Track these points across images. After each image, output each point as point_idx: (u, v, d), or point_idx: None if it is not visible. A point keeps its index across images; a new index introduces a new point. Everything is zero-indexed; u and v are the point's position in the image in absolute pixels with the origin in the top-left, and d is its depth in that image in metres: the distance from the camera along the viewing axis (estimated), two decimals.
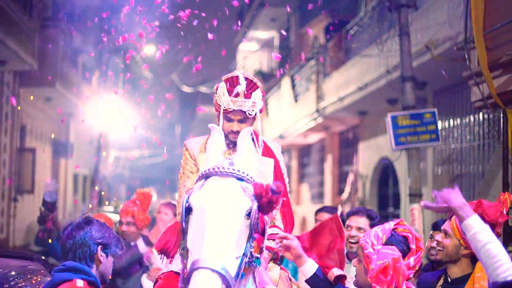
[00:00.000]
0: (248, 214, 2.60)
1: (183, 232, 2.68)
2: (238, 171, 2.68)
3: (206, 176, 2.69)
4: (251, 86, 3.33)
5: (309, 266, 3.21)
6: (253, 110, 3.34)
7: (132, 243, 5.56)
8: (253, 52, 23.36)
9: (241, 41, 23.83)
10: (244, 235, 2.59)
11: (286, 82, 17.41)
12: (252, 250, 2.65)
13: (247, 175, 2.69)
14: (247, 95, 3.31)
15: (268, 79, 21.00)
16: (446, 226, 3.39)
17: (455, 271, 3.36)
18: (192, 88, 31.61)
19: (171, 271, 3.23)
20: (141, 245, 5.73)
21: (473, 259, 3.30)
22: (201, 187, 2.66)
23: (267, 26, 21.25)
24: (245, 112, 3.33)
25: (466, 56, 6.89)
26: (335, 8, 14.28)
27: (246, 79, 3.32)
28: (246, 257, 2.60)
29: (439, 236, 3.40)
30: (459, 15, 7.63)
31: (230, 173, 2.66)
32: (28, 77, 13.20)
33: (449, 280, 3.37)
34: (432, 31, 8.53)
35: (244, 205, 2.61)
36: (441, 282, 3.42)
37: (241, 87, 3.30)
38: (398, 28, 8.22)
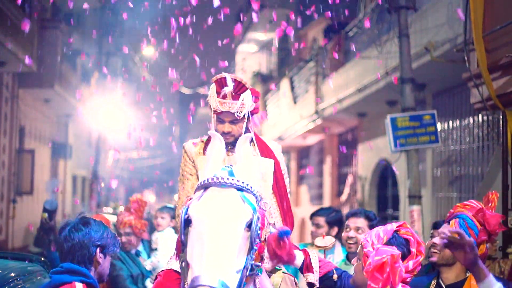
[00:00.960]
0: (249, 226, 2.57)
1: (183, 244, 2.65)
2: (238, 181, 2.63)
3: (205, 187, 2.65)
4: (239, 87, 3.31)
5: (296, 261, 3.19)
6: (241, 112, 3.32)
7: (133, 250, 5.56)
8: (252, 54, 23.37)
9: (240, 42, 23.85)
10: (245, 247, 2.55)
11: (285, 83, 17.41)
12: (253, 262, 2.62)
13: (247, 185, 2.66)
14: (235, 97, 3.30)
15: (267, 81, 21.02)
16: (444, 229, 3.38)
17: (448, 276, 3.34)
18: (191, 89, 31.62)
19: (171, 269, 3.22)
20: (143, 252, 5.74)
21: None
22: (200, 198, 2.62)
23: (266, 28, 21.26)
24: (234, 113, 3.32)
25: (466, 58, 6.89)
26: (335, 10, 14.30)
27: (234, 80, 3.30)
28: (247, 270, 2.56)
29: (436, 239, 3.39)
30: (458, 17, 7.64)
31: (229, 184, 2.62)
32: (27, 78, 13.21)
33: (443, 285, 3.35)
34: (431, 33, 8.54)
35: (244, 216, 2.57)
36: (432, 287, 3.40)
37: (229, 89, 3.28)
38: (397, 30, 8.23)
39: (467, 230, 3.27)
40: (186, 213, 2.60)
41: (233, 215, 2.56)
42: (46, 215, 5.59)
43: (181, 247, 2.71)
